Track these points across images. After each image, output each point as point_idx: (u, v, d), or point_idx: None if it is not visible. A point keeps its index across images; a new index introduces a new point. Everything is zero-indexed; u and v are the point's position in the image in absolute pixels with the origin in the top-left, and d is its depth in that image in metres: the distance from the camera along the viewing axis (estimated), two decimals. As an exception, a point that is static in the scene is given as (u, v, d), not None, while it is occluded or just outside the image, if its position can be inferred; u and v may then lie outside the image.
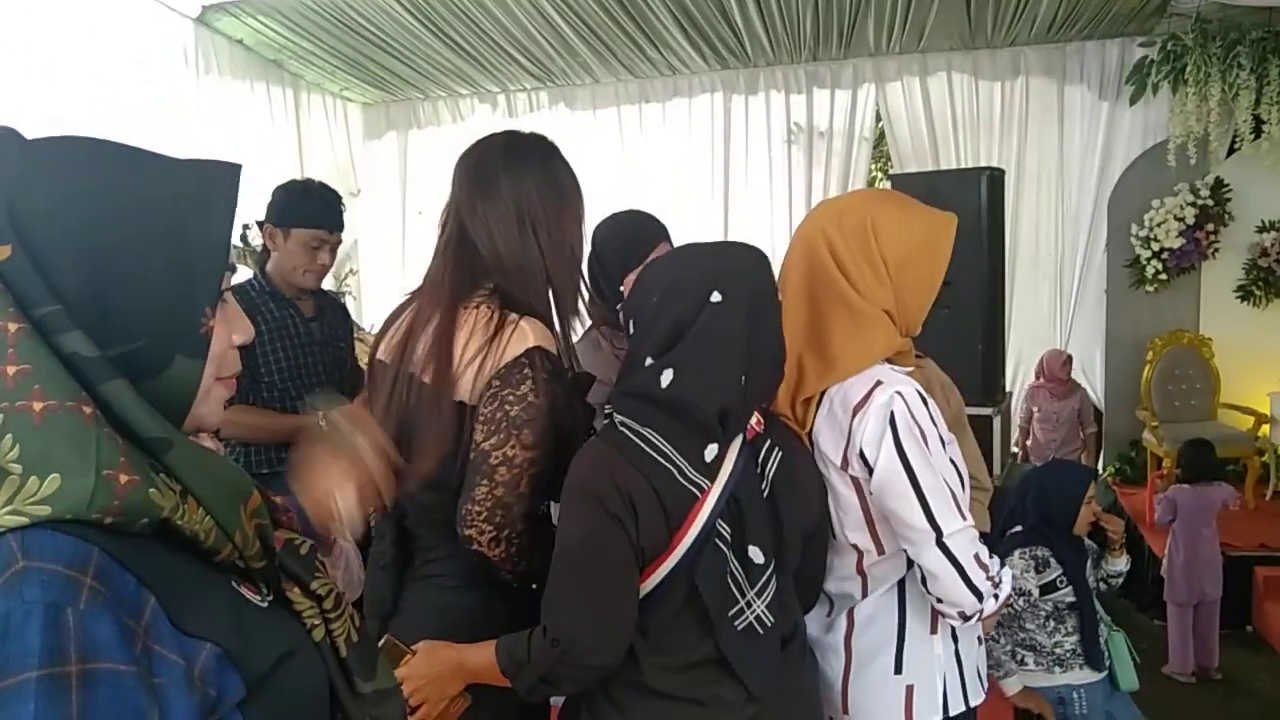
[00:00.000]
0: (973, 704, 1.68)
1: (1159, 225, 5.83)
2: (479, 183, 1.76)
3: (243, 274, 3.27)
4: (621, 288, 2.44)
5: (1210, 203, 5.78)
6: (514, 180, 1.72)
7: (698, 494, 1.43)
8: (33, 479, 0.69)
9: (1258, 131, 5.53)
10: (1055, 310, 6.40)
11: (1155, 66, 5.68)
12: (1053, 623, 2.78)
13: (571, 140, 7.12)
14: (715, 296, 1.46)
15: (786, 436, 1.58)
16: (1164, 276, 5.89)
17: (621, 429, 1.47)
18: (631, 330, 1.53)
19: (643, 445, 1.44)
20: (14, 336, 0.72)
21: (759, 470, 1.51)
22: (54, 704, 0.64)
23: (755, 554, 1.46)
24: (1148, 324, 6.00)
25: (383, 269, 7.63)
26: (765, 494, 1.50)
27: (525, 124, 7.19)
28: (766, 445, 1.52)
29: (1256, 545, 4.82)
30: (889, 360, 1.60)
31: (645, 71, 6.78)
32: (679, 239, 2.59)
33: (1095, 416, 6.15)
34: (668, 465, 1.43)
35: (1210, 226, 5.80)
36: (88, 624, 0.67)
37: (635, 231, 2.45)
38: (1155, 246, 5.85)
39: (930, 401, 1.57)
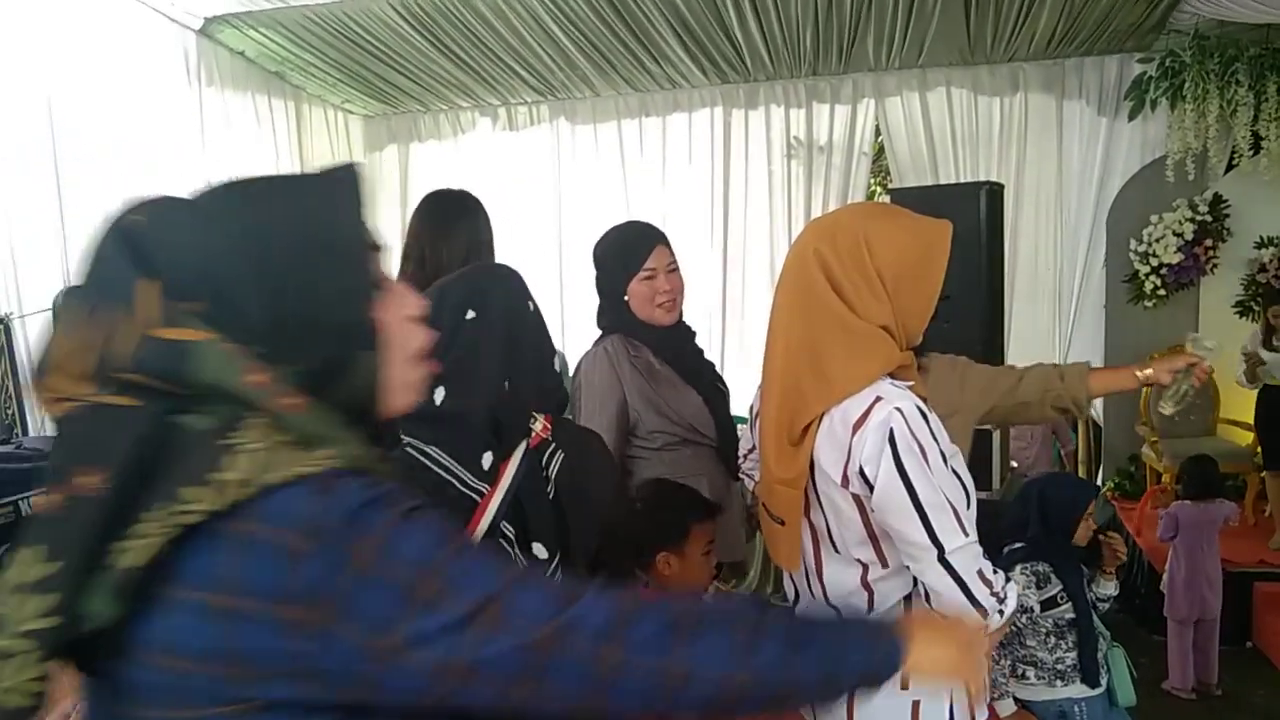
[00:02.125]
0: (979, 720, 1.67)
1: (1157, 241, 5.84)
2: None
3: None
4: (625, 296, 2.45)
5: (1209, 218, 5.80)
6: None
7: (478, 499, 1.58)
8: (318, 449, 0.84)
9: (1256, 148, 5.55)
10: (1054, 325, 6.41)
11: (1154, 82, 5.70)
12: (1053, 639, 2.78)
13: (571, 154, 7.20)
14: (470, 314, 1.61)
15: (575, 440, 1.71)
16: (1163, 292, 5.90)
17: (409, 449, 1.58)
18: None
19: (426, 461, 1.57)
20: (267, 380, 0.84)
21: (544, 473, 1.64)
22: (419, 525, 0.84)
23: (539, 550, 1.61)
24: (1147, 339, 5.99)
25: (382, 281, 7.63)
26: (551, 495, 1.63)
27: (526, 137, 7.25)
28: (550, 449, 1.67)
29: (1256, 561, 4.81)
30: (889, 375, 1.60)
31: (645, 85, 6.80)
32: (678, 253, 2.61)
33: (1094, 432, 6.14)
34: (449, 478, 1.57)
35: (1209, 242, 5.81)
36: (397, 491, 0.85)
37: (631, 238, 2.51)
38: (1154, 262, 5.86)
39: (931, 416, 1.56)
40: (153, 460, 0.79)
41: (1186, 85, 5.52)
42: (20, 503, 3.22)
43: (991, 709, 2.69)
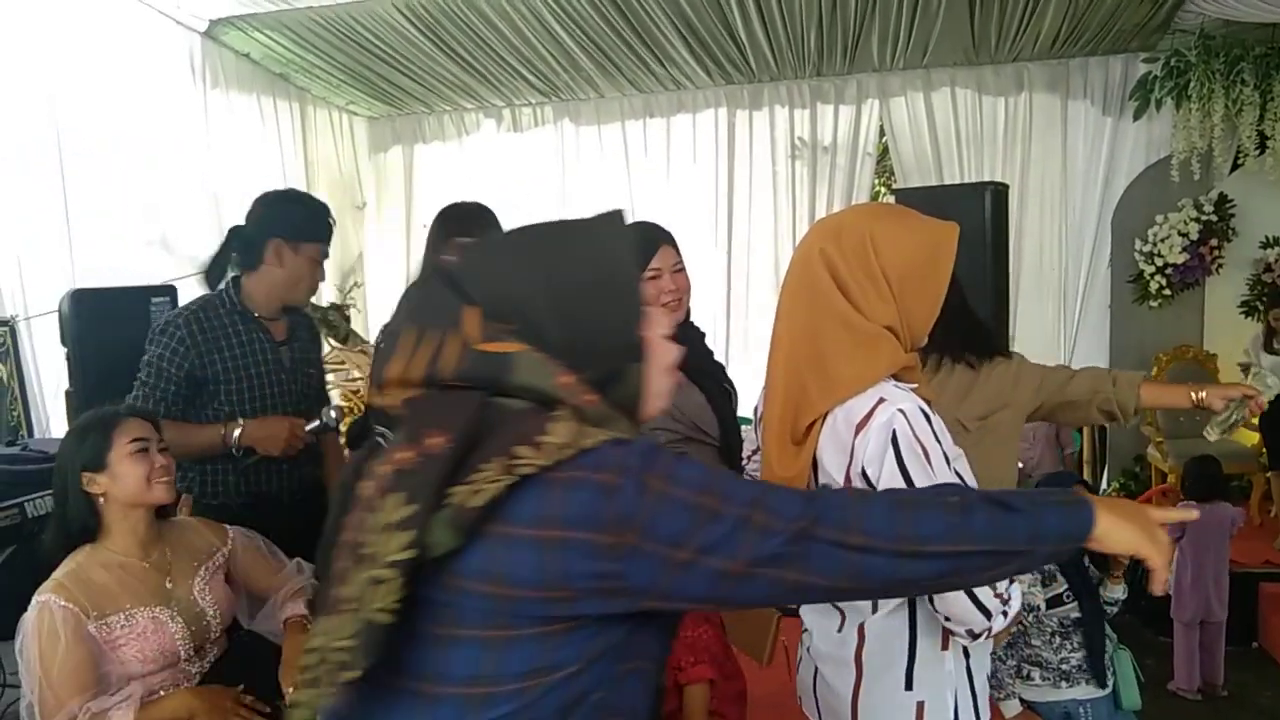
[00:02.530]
0: (983, 721, 1.67)
1: (1163, 240, 5.84)
2: None
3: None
4: None
5: (1214, 218, 5.79)
6: None
7: None
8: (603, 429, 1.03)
9: (1262, 147, 5.54)
10: (1059, 325, 6.40)
11: (1159, 82, 5.69)
12: (1058, 639, 2.77)
13: (576, 154, 7.21)
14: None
15: None
16: (1168, 292, 5.89)
17: (380, 440, 1.61)
18: None
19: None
20: (572, 382, 1.04)
21: None
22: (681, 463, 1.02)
23: None
24: (1152, 339, 5.99)
25: (388, 282, 7.64)
26: None
27: (530, 138, 7.25)
28: None
29: (1262, 562, 4.80)
30: (894, 376, 1.59)
31: (650, 86, 6.80)
32: (683, 253, 2.61)
33: (1100, 432, 6.13)
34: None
35: (1214, 242, 5.81)
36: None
37: (635, 240, 2.48)
38: (1159, 262, 5.85)
39: (934, 418, 1.56)
40: (483, 428, 0.99)
41: (1192, 85, 5.51)
42: (26, 504, 3.21)
43: (997, 709, 2.69)
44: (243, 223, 2.79)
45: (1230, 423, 2.40)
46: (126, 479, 2.13)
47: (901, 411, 1.51)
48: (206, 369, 2.67)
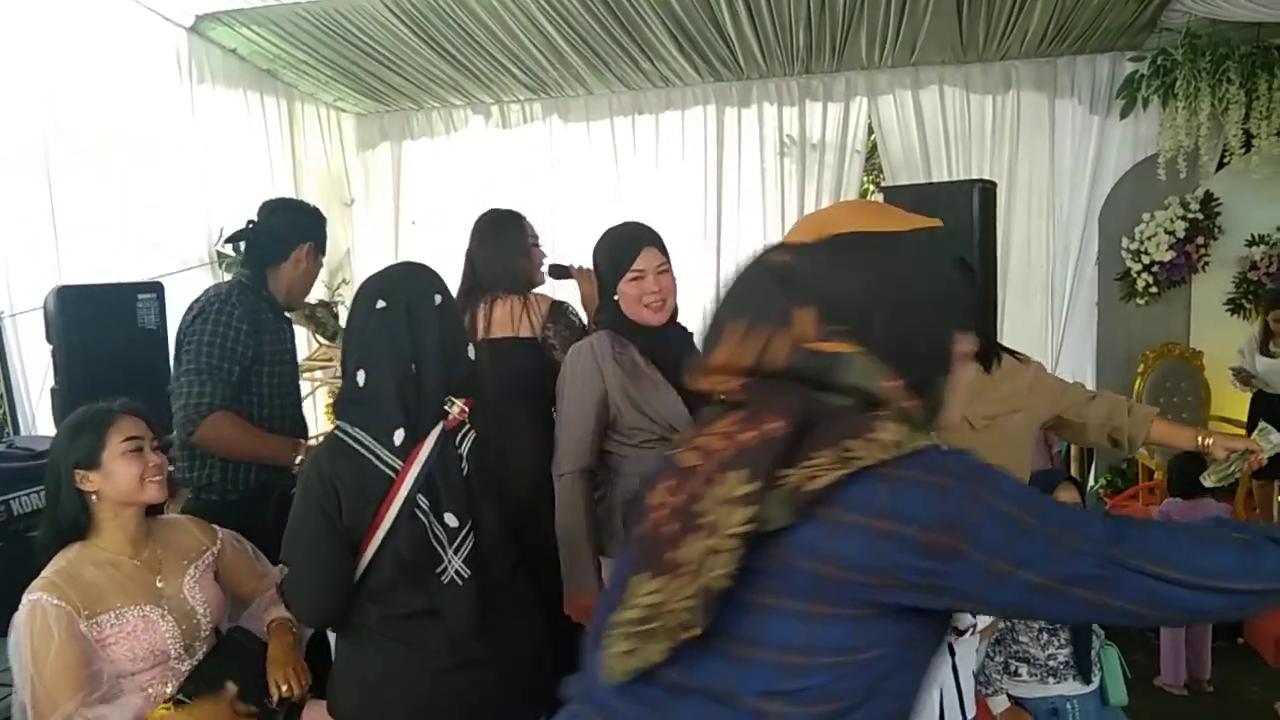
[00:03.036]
0: (969, 718, 1.68)
1: (1149, 238, 5.86)
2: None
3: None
4: (615, 296, 2.48)
5: (1200, 216, 5.82)
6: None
7: (393, 475, 1.79)
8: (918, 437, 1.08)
9: (1247, 145, 5.57)
10: (1047, 323, 6.42)
11: (1145, 81, 5.72)
12: (1045, 635, 2.79)
13: (564, 151, 7.20)
14: (380, 304, 1.85)
15: (492, 422, 1.94)
16: (1155, 289, 5.91)
17: (337, 431, 1.85)
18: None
19: (349, 440, 1.82)
20: (898, 386, 1.10)
21: (457, 450, 1.84)
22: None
23: (450, 519, 1.81)
24: (1139, 337, 6.02)
25: (375, 279, 7.61)
26: (465, 472, 1.84)
27: (519, 135, 7.23)
28: (464, 430, 1.86)
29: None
30: None
31: (638, 83, 6.80)
32: (672, 251, 2.62)
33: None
34: (366, 454, 1.80)
35: (1200, 240, 5.83)
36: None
37: (621, 240, 2.56)
38: (1146, 260, 5.88)
39: None
40: (811, 419, 1.06)
41: (1178, 83, 5.54)
42: (12, 501, 3.20)
43: (984, 705, 2.70)
44: (255, 219, 2.92)
45: (1228, 473, 2.52)
46: (119, 478, 2.12)
47: None
48: (259, 350, 2.75)
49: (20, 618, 2.01)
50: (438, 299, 1.92)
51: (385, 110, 7.44)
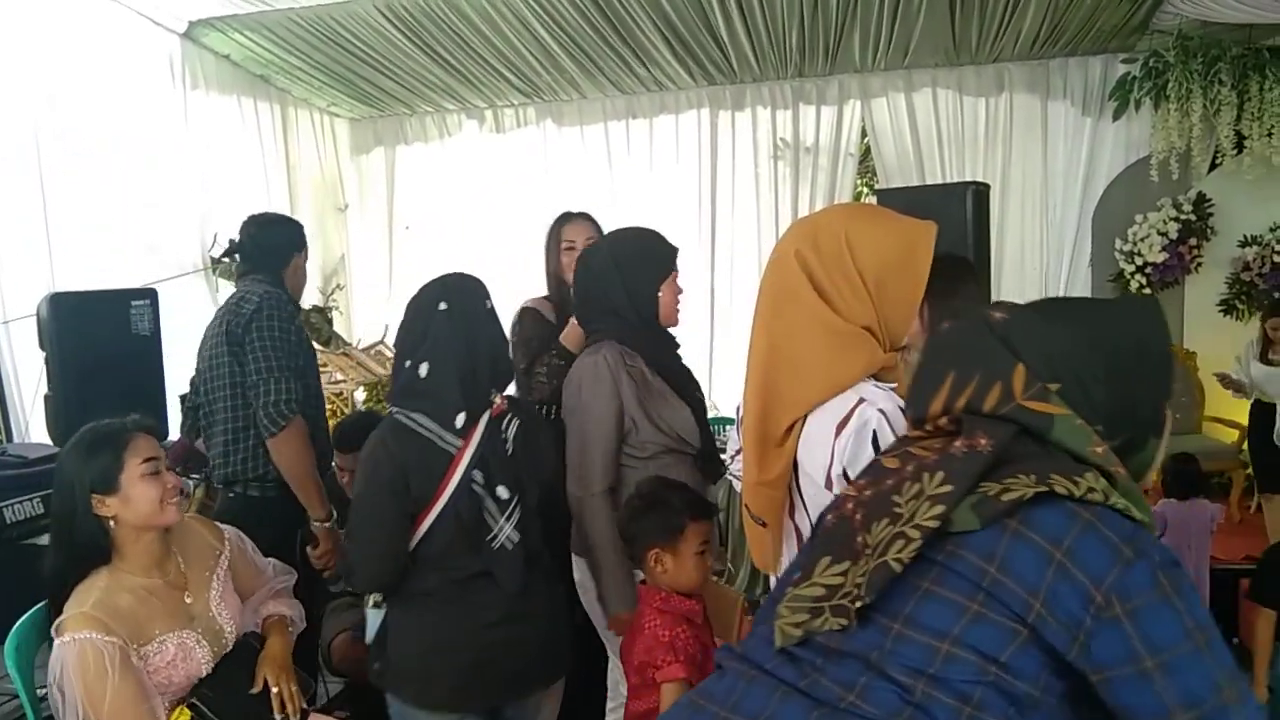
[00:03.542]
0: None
1: (1142, 240, 5.88)
2: None
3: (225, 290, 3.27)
4: (659, 299, 2.50)
5: (1193, 217, 5.83)
6: None
7: (453, 453, 2.05)
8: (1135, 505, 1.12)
9: (1239, 147, 5.59)
10: (1041, 324, 6.42)
11: (1138, 83, 5.74)
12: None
13: (558, 156, 7.20)
14: (442, 306, 2.10)
15: (525, 412, 2.22)
16: (1148, 291, 5.93)
17: (398, 417, 2.09)
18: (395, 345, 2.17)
19: (411, 425, 2.06)
20: (1104, 451, 1.15)
21: (502, 435, 2.12)
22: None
23: (502, 492, 2.07)
24: (1132, 338, 6.02)
25: (370, 284, 7.61)
26: (510, 452, 2.11)
27: (512, 139, 7.24)
28: (508, 418, 2.14)
29: (1241, 558, 4.83)
30: (874, 376, 1.59)
31: (632, 88, 6.81)
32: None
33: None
34: (430, 437, 2.05)
35: (1193, 241, 5.85)
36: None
37: (657, 246, 2.59)
38: (1139, 261, 5.89)
39: None
40: (1019, 451, 1.14)
41: (1170, 85, 5.56)
42: (4, 509, 3.19)
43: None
44: (244, 235, 3.00)
45: None
46: (139, 503, 2.03)
47: (882, 412, 1.51)
48: (312, 350, 2.98)
49: (67, 657, 1.93)
50: (488, 304, 2.19)
51: (379, 115, 7.44)
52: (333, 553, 2.83)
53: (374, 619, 2.26)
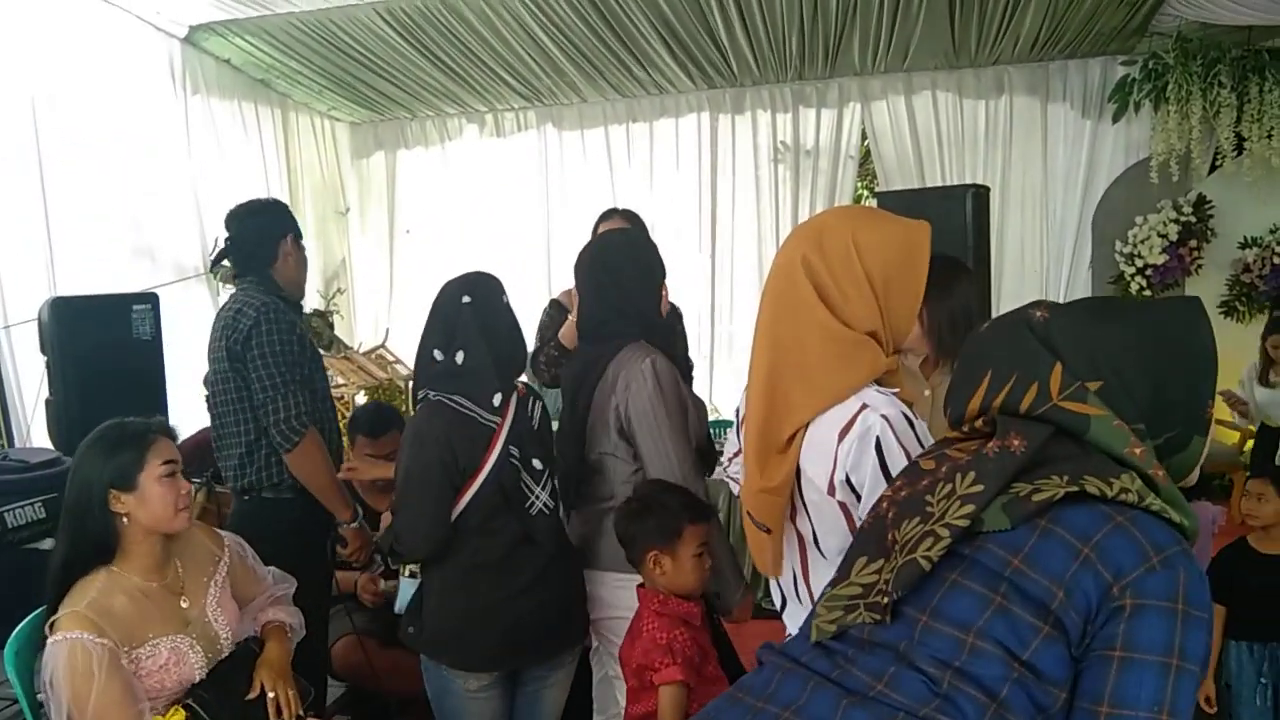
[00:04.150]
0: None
1: (1142, 242, 5.88)
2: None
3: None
4: (663, 298, 2.59)
5: (1193, 219, 5.83)
6: None
7: (494, 428, 2.27)
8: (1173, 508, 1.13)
9: (1239, 148, 5.59)
10: (1041, 327, 6.42)
11: (1137, 85, 5.75)
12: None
13: (558, 160, 7.21)
14: (465, 299, 2.32)
15: (539, 396, 2.45)
16: (1148, 293, 5.92)
17: (438, 399, 2.28)
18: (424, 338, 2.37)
19: (452, 405, 2.26)
20: (1143, 453, 1.14)
21: (529, 414, 2.35)
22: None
23: (536, 463, 2.32)
24: (1133, 340, 6.02)
25: (371, 288, 7.62)
26: (535, 427, 2.36)
27: (513, 143, 7.24)
28: (531, 399, 2.39)
29: (1243, 560, 4.82)
30: (876, 381, 1.58)
31: (632, 91, 6.81)
32: (667, 258, 2.63)
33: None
34: (471, 415, 2.26)
35: (1193, 243, 5.85)
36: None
37: (652, 247, 2.61)
38: (1139, 263, 5.89)
39: (918, 422, 1.56)
40: (1056, 452, 1.14)
41: (1170, 87, 5.57)
42: (6, 514, 3.18)
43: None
44: (227, 233, 2.91)
45: None
46: (155, 503, 2.04)
47: (885, 417, 1.51)
48: (315, 353, 2.88)
49: (58, 656, 1.94)
50: (505, 299, 2.41)
51: (379, 119, 7.45)
52: (363, 549, 2.89)
53: (407, 589, 2.42)
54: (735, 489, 2.22)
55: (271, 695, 2.16)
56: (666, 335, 2.53)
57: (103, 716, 1.91)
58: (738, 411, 1.88)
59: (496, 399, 2.28)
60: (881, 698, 1.11)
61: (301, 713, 2.21)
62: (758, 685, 1.24)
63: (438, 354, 2.30)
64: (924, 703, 1.09)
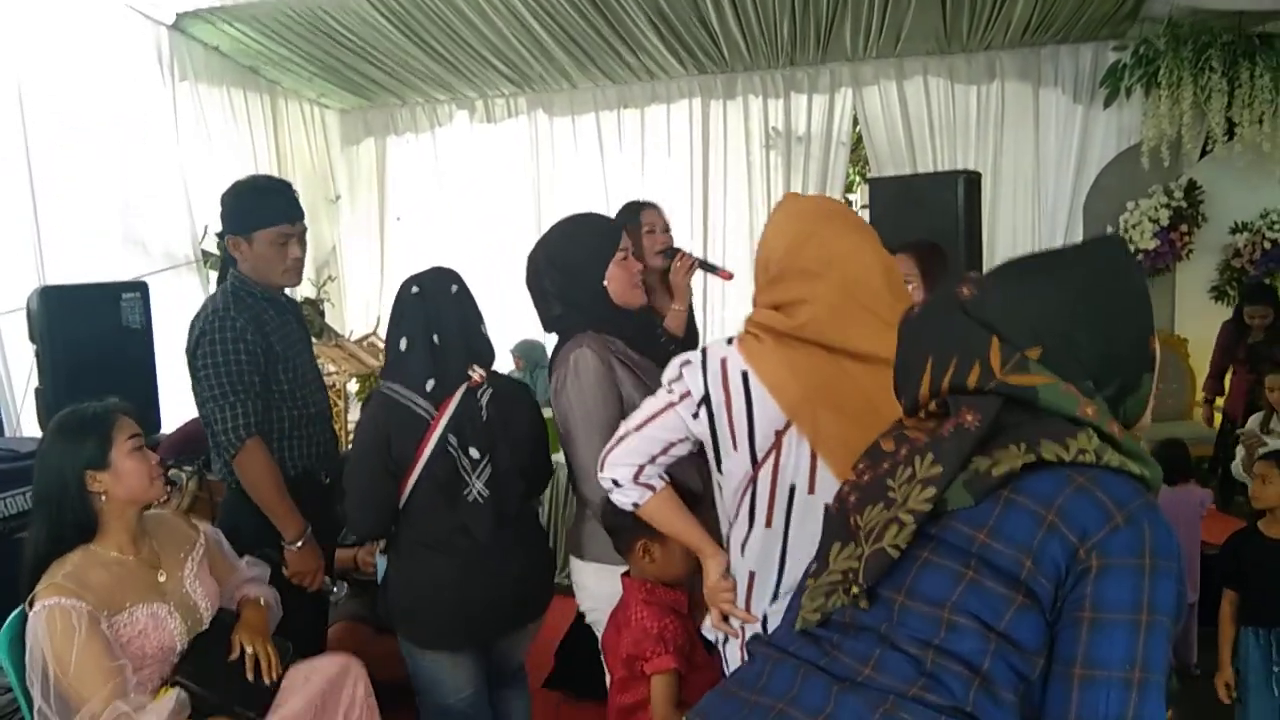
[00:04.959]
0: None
1: (1134, 227, 5.89)
2: None
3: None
4: (605, 282, 2.36)
5: (1184, 204, 5.84)
6: None
7: (429, 419, 2.33)
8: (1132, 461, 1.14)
9: (1230, 133, 5.60)
10: (1033, 312, 6.43)
11: (1128, 70, 5.75)
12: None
13: (550, 146, 7.19)
14: (414, 289, 2.42)
15: (504, 386, 2.46)
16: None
17: (383, 390, 2.39)
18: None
19: (393, 395, 2.35)
20: (1095, 411, 1.14)
21: (478, 404, 2.36)
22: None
23: (473, 452, 2.34)
24: (1124, 324, 6.03)
25: (362, 275, 7.60)
26: (485, 419, 2.36)
27: (503, 129, 7.22)
28: (483, 389, 2.39)
29: (1233, 543, 4.84)
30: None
31: (623, 77, 6.79)
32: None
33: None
34: (407, 403, 2.33)
35: (1184, 228, 5.86)
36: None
37: (597, 227, 2.44)
38: (1130, 247, 5.90)
39: None
40: (1008, 421, 1.14)
41: (1161, 72, 5.57)
42: (-2, 502, 3.18)
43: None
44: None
45: None
46: (130, 476, 2.14)
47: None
48: (269, 350, 2.70)
49: (37, 625, 1.99)
50: (454, 288, 2.45)
51: (369, 106, 7.41)
52: (312, 574, 2.70)
53: (382, 564, 2.61)
54: None
55: (251, 652, 2.22)
56: (616, 319, 2.37)
57: (85, 674, 1.95)
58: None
59: (429, 384, 2.33)
60: (870, 682, 1.13)
61: (282, 671, 2.27)
62: (749, 678, 1.25)
63: (400, 344, 2.40)
64: (911, 682, 1.10)
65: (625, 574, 2.23)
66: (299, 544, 2.65)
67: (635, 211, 3.20)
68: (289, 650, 2.35)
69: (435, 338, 2.36)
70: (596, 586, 2.36)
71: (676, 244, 3.16)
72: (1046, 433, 1.12)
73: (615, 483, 1.88)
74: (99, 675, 1.96)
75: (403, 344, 2.37)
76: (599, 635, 2.42)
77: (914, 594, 1.14)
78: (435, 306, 2.39)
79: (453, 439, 2.32)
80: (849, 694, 1.13)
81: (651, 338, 2.54)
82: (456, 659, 2.43)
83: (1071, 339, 1.16)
